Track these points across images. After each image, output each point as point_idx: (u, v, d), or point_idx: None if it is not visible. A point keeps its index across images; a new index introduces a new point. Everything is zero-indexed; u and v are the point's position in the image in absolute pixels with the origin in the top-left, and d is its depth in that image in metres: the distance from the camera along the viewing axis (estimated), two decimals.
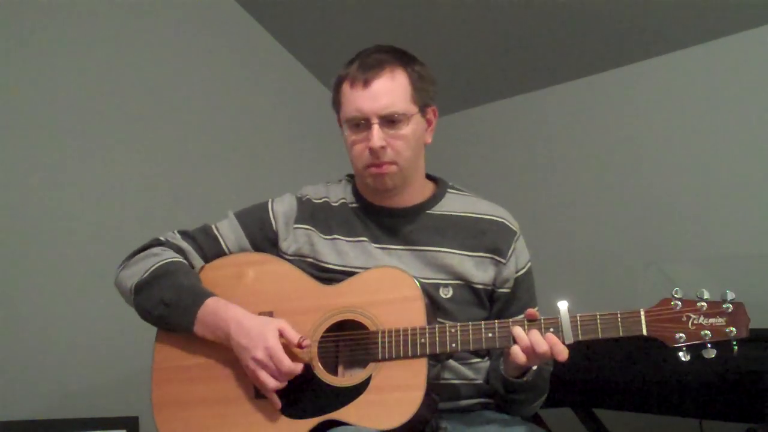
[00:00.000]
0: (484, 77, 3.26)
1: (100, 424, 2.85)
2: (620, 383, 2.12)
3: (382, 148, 1.60)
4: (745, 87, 2.61)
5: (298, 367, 1.52)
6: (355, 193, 1.76)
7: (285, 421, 1.55)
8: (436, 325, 1.53)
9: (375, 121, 1.59)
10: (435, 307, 1.62)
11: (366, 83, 1.60)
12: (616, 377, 2.11)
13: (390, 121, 1.60)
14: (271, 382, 1.52)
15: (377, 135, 1.59)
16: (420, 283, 1.57)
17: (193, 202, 3.12)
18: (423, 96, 1.65)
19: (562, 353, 1.45)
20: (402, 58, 1.65)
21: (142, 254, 1.72)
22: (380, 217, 1.71)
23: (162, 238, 1.76)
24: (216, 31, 3.40)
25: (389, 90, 1.60)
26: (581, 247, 2.96)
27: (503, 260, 1.68)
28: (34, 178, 2.89)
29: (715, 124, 2.68)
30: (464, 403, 1.68)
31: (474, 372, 1.69)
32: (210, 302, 1.61)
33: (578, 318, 1.47)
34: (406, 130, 1.61)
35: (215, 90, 3.38)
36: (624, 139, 2.94)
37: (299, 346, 1.54)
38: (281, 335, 1.54)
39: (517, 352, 1.47)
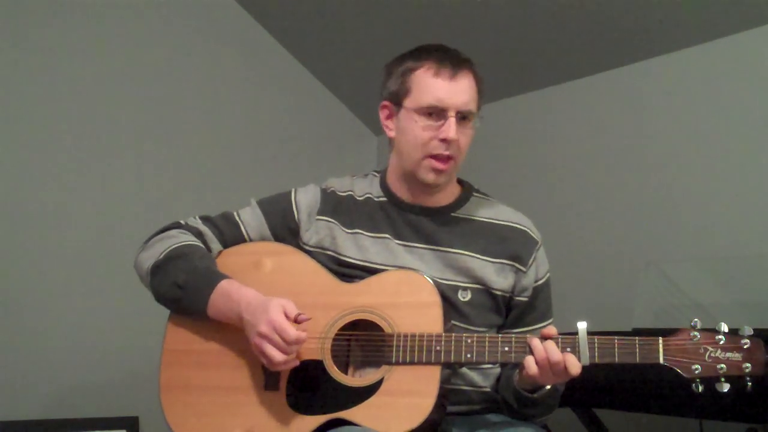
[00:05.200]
0: (484, 77, 3.26)
1: (100, 424, 2.86)
2: (620, 383, 2.12)
3: (456, 140, 1.61)
4: (745, 87, 2.61)
5: (303, 336, 1.49)
6: (384, 187, 1.74)
7: (292, 415, 1.54)
8: (453, 334, 1.52)
9: (452, 114, 1.60)
10: (452, 309, 1.60)
11: (453, 76, 1.61)
12: (617, 377, 2.10)
13: (463, 117, 1.62)
14: (278, 355, 1.49)
15: (455, 127, 1.60)
16: (439, 287, 1.56)
17: (194, 203, 3.11)
18: (480, 102, 1.68)
19: (576, 367, 1.43)
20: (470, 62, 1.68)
21: (160, 236, 1.71)
22: (406, 213, 1.69)
23: (182, 222, 1.75)
24: (217, 32, 3.41)
25: (470, 88, 1.63)
26: (581, 247, 2.95)
27: (524, 268, 1.67)
28: (34, 177, 2.90)
29: (715, 124, 2.68)
30: (470, 408, 1.67)
31: (483, 378, 1.67)
32: (224, 284, 1.59)
33: (596, 340, 1.45)
34: (471, 129, 1.65)
35: (216, 90, 3.39)
36: (623, 139, 2.94)
37: (296, 320, 1.51)
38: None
39: (531, 364, 1.45)
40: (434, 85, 1.61)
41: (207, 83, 3.35)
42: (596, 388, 2.20)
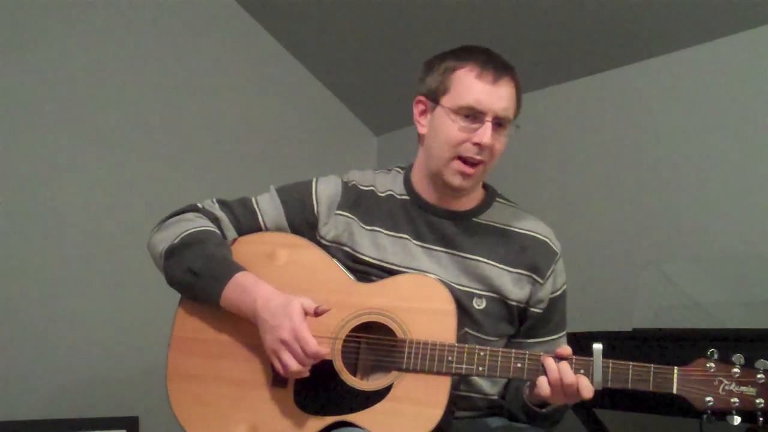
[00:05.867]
0: None
1: (100, 424, 2.86)
2: None
3: (490, 146, 1.59)
4: (745, 87, 2.60)
5: (323, 352, 1.47)
6: (407, 186, 1.71)
7: (298, 414, 1.52)
8: (466, 346, 1.50)
9: (489, 118, 1.58)
10: (466, 316, 1.59)
11: (495, 81, 1.59)
12: None
13: (498, 124, 1.60)
14: (294, 365, 1.46)
15: (491, 132, 1.58)
16: (454, 293, 1.54)
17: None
18: (518, 110, 1.66)
19: (589, 390, 1.42)
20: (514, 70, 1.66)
21: (176, 218, 1.68)
22: (428, 214, 1.67)
23: (199, 205, 1.72)
24: (217, 32, 3.41)
25: (510, 95, 1.61)
26: (581, 247, 2.95)
27: (541, 280, 1.66)
28: (34, 176, 2.90)
29: (714, 124, 2.68)
30: (476, 413, 1.67)
31: (491, 386, 1.66)
32: (239, 276, 1.56)
33: (611, 364, 1.43)
34: (505, 137, 1.62)
35: (216, 90, 3.38)
36: (623, 139, 2.94)
37: (315, 314, 1.50)
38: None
39: (543, 384, 1.44)
40: (475, 87, 1.59)
41: (206, 83, 3.35)
42: (596, 388, 2.20)
